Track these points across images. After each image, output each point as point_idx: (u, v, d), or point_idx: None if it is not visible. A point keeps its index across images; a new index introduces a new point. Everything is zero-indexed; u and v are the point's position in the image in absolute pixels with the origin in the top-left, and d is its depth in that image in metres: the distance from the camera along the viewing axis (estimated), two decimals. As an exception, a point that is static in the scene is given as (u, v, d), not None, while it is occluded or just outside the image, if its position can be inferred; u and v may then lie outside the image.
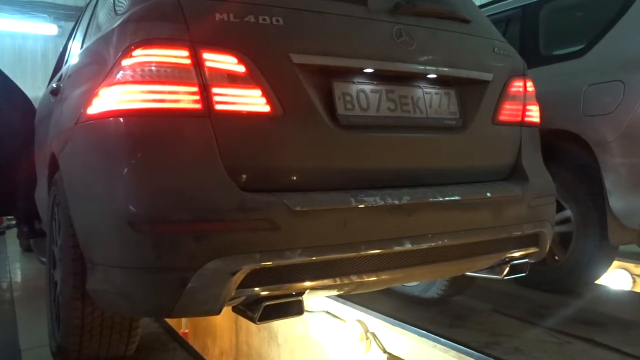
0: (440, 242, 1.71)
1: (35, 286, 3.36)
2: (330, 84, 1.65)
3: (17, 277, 3.81)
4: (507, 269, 2.02)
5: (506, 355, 2.18)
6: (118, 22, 1.63)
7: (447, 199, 1.73)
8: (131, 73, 1.46)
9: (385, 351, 2.77)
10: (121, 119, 1.47)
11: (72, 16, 9.68)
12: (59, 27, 10.88)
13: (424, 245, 1.68)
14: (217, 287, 1.42)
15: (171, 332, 2.46)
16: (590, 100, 2.76)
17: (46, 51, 10.81)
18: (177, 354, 2.19)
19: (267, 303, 1.51)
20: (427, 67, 1.83)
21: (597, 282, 3.28)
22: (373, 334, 2.76)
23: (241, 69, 1.50)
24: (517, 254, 2.02)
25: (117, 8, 1.80)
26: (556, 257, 3.07)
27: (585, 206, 2.93)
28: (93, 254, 1.58)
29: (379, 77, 1.75)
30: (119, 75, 1.48)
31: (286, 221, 1.46)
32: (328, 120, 1.61)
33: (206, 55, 1.48)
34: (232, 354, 4.29)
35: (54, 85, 2.41)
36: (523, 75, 2.15)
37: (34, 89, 7.28)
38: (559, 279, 3.07)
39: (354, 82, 1.70)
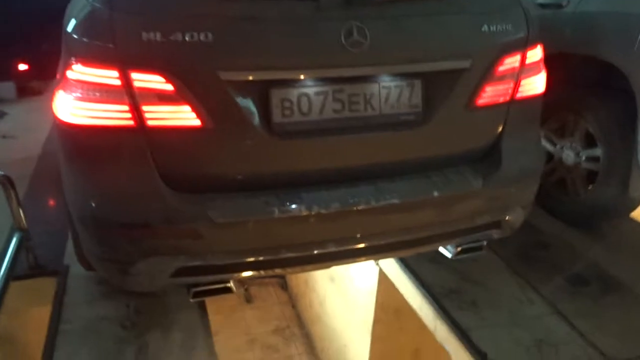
0: (370, 243, 1.82)
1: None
2: (267, 92, 1.64)
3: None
4: (458, 250, 2.08)
5: (459, 308, 2.36)
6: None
7: (382, 203, 1.76)
8: (72, 88, 1.57)
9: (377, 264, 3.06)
10: (67, 128, 1.63)
11: None
12: None
13: (351, 247, 1.80)
14: (151, 278, 1.72)
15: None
16: None
17: None
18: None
19: (196, 289, 1.79)
20: (383, 67, 1.71)
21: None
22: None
23: (169, 87, 1.55)
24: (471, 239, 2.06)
25: None
26: (579, 193, 2.96)
27: (614, 151, 2.71)
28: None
29: (325, 79, 1.69)
30: (64, 86, 1.60)
31: (209, 231, 1.64)
32: (262, 129, 1.64)
33: (135, 76, 1.54)
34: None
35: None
36: (524, 48, 1.90)
37: None
38: (577, 214, 3.00)
39: (295, 87, 1.67)
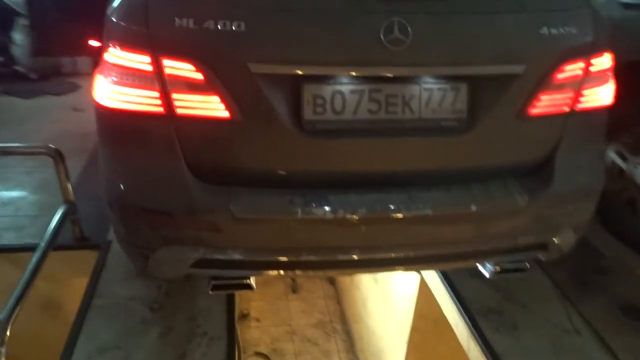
0: (397, 254, 1.72)
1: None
2: (299, 87, 1.57)
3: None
4: (497, 270, 1.93)
5: (496, 330, 2.21)
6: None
7: (413, 213, 1.65)
8: (108, 71, 1.58)
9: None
10: (102, 110, 1.65)
11: None
12: None
13: (377, 256, 1.71)
14: (172, 266, 1.71)
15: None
16: None
17: None
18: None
19: (215, 282, 1.76)
20: (425, 68, 1.60)
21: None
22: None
23: (199, 76, 1.52)
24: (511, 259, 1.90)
25: None
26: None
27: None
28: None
29: (361, 77, 1.60)
30: (102, 69, 1.61)
31: (230, 225, 1.61)
32: (291, 125, 1.58)
33: (166, 62, 1.52)
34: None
35: None
36: (588, 54, 1.71)
37: None
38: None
39: (328, 84, 1.59)
